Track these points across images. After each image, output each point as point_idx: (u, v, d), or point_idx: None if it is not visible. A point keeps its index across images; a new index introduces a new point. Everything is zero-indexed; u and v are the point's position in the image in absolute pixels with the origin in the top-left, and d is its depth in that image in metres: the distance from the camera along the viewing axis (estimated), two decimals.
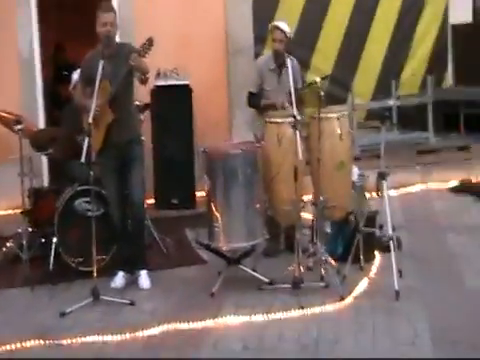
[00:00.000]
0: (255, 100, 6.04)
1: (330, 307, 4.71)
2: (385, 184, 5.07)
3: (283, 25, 5.91)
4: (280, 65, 5.93)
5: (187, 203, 7.05)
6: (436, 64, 9.45)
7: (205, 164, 5.31)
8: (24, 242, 5.70)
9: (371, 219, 5.41)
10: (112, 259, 5.60)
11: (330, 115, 5.45)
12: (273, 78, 5.97)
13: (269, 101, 5.94)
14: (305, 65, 8.26)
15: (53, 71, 10.02)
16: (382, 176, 5.10)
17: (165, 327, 4.57)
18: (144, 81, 5.31)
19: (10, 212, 7.08)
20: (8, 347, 4.33)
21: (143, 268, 5.44)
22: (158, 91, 7.26)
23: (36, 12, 7.63)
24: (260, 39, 8.46)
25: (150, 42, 5.13)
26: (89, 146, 5.05)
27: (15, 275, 5.64)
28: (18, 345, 4.40)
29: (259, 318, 4.64)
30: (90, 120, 5.03)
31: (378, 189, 5.14)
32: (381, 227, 5.29)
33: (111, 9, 5.41)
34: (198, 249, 5.95)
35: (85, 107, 5.22)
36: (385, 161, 5.19)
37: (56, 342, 4.44)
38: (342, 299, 4.79)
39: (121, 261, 5.50)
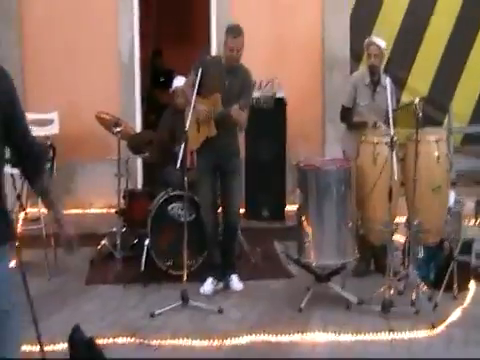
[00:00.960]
0: (347, 115, 6.01)
1: (421, 334, 4.62)
2: None
3: (378, 40, 5.88)
4: (375, 82, 5.88)
5: (277, 216, 7.06)
6: None
7: (298, 178, 5.32)
8: (118, 241, 5.89)
9: (467, 247, 5.29)
10: (202, 265, 5.68)
11: (428, 137, 5.38)
12: (367, 94, 5.92)
13: (361, 119, 5.89)
14: (401, 84, 8.16)
15: (150, 76, 10.24)
16: None
17: (252, 337, 4.60)
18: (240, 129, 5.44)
19: (105, 211, 7.30)
20: (101, 341, 4.45)
21: (234, 272, 5.56)
22: (253, 103, 7.29)
23: (138, 18, 7.83)
24: (356, 55, 8.41)
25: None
26: (185, 152, 5.15)
27: (108, 272, 5.86)
28: (110, 340, 4.54)
29: (347, 338, 4.60)
30: (186, 128, 5.13)
31: (476, 216, 5.03)
32: (478, 256, 5.16)
33: (240, 33, 5.36)
34: (287, 263, 5.97)
35: (190, 103, 5.27)
36: None
37: (146, 342, 4.54)
38: (433, 327, 4.69)
39: (210, 267, 5.58)
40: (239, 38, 5.32)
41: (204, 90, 5.27)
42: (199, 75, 5.20)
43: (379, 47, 5.85)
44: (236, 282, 5.55)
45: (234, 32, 5.34)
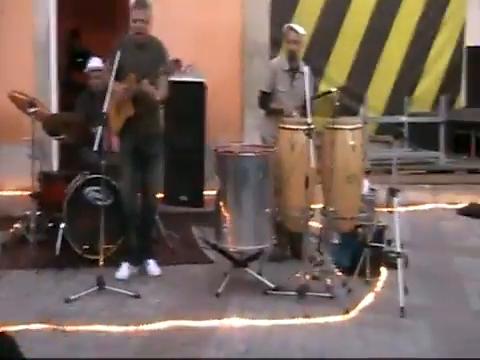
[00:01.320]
0: (266, 101, 6.04)
1: (335, 318, 4.72)
2: (396, 201, 5.10)
3: (297, 27, 5.95)
4: (294, 68, 5.93)
5: (195, 201, 7.06)
6: (450, 84, 9.49)
7: (216, 164, 5.33)
8: (32, 225, 5.75)
9: (379, 234, 5.44)
10: (118, 250, 5.62)
11: (344, 126, 5.46)
12: (286, 80, 5.95)
13: (278, 105, 5.94)
14: (318, 73, 8.29)
15: (68, 57, 10.00)
16: (393, 192, 5.12)
17: (169, 323, 4.58)
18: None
19: (19, 193, 7.10)
20: (13, 328, 4.30)
21: (151, 257, 5.53)
22: (172, 87, 7.19)
23: None
24: (276, 42, 8.48)
25: (177, 65, 5.21)
26: (102, 134, 5.08)
27: (21, 256, 5.72)
28: (22, 327, 4.40)
29: (264, 323, 4.65)
30: (105, 110, 5.06)
31: (388, 204, 5.17)
32: (389, 243, 5.33)
33: (144, 5, 5.37)
34: (205, 248, 5.99)
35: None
36: (395, 177, 5.22)
37: (61, 328, 4.44)
38: (347, 312, 4.80)
39: (127, 252, 5.53)
40: (143, 10, 5.32)
41: (121, 72, 5.20)
42: (116, 60, 5.13)
43: (298, 33, 5.91)
44: (153, 266, 5.53)
45: (138, 3, 5.38)
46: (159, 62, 5.29)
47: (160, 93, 5.32)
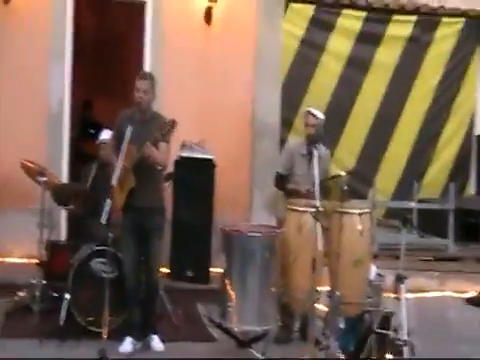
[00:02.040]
0: (282, 183, 6.14)
1: None
2: (403, 288, 5.07)
3: (316, 111, 6.08)
4: (311, 151, 6.01)
5: (201, 277, 7.04)
6: (459, 172, 9.56)
7: (223, 242, 5.32)
8: (37, 294, 5.73)
9: (386, 320, 5.36)
10: (123, 323, 5.57)
11: (352, 210, 5.47)
12: (304, 163, 6.04)
13: (295, 186, 6.01)
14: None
15: (79, 127, 10.16)
16: (400, 279, 5.10)
17: None
18: (160, 170, 5.47)
19: (25, 261, 7.09)
20: None
21: (154, 333, 5.49)
22: (182, 162, 7.34)
23: (70, 67, 7.81)
24: (286, 123, 8.63)
25: (173, 124, 5.25)
26: (110, 207, 5.12)
27: (24, 325, 5.68)
28: None
29: None
30: (113, 182, 5.13)
31: (395, 291, 5.14)
32: (396, 330, 5.27)
33: (146, 77, 5.55)
34: (209, 326, 5.94)
35: (114, 165, 5.28)
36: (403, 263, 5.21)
37: None
38: None
39: (130, 326, 5.48)
40: (145, 81, 5.45)
41: (125, 150, 5.26)
42: (128, 135, 5.22)
43: (317, 118, 6.03)
44: (157, 342, 5.47)
45: (141, 75, 5.55)
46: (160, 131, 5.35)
47: (161, 157, 5.36)
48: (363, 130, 9.21)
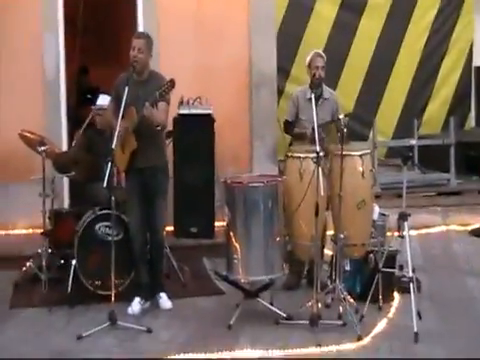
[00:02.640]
0: (290, 128, 6.17)
1: (347, 346, 4.68)
2: (406, 225, 5.07)
3: (321, 52, 6.05)
4: (318, 95, 5.93)
5: (206, 232, 7.04)
6: (459, 106, 9.50)
7: (225, 195, 5.33)
8: (43, 263, 5.78)
9: (391, 259, 5.38)
10: (130, 285, 5.61)
11: (353, 153, 5.45)
12: (309, 108, 5.92)
13: (301, 129, 6.00)
14: None
15: (76, 94, 10.11)
16: (403, 217, 5.09)
17: (182, 356, 4.56)
18: (160, 130, 5.41)
19: (30, 231, 7.13)
20: None
21: (162, 291, 5.53)
22: (181, 120, 7.29)
23: (63, 36, 7.74)
24: (283, 72, 8.55)
25: (171, 84, 5.21)
26: (111, 170, 5.12)
27: (33, 295, 5.74)
28: None
29: (276, 353, 4.62)
30: (113, 145, 5.11)
31: (399, 229, 5.14)
32: (401, 268, 5.27)
33: (141, 36, 5.52)
34: (216, 280, 5.98)
35: (114, 128, 5.24)
36: (406, 201, 5.19)
37: None
38: (360, 339, 4.76)
39: (138, 287, 5.52)
40: (139, 40, 5.42)
41: (123, 110, 5.23)
42: (124, 98, 5.15)
43: (324, 59, 5.99)
44: (165, 300, 5.51)
45: (136, 34, 5.56)
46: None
47: (160, 116, 5.32)
48: (360, 72, 9.14)
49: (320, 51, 6.11)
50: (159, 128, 5.38)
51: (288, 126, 6.21)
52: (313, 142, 5.75)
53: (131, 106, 5.28)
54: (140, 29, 7.77)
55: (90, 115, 6.45)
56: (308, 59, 6.04)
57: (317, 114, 5.73)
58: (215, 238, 6.93)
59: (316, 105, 5.87)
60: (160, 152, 5.59)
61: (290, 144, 6.20)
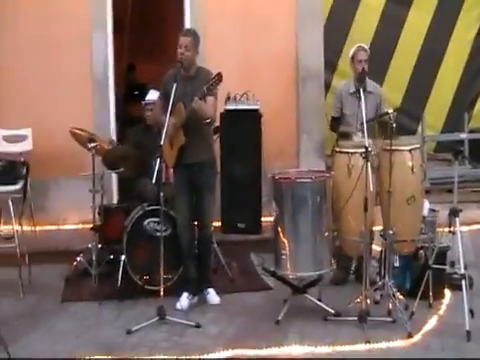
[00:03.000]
0: (336, 125, 6.18)
1: (397, 343, 4.63)
2: (458, 221, 4.98)
3: (365, 46, 6.00)
4: (359, 89, 5.88)
5: (253, 228, 7.03)
6: None
7: (273, 190, 5.31)
8: (93, 258, 5.86)
9: (441, 255, 5.30)
10: (178, 280, 5.65)
11: (402, 147, 5.37)
12: (353, 102, 5.95)
13: (346, 128, 5.99)
14: None
15: (125, 91, 10.22)
16: (454, 213, 5.00)
17: (230, 352, 4.58)
18: (209, 124, 5.41)
19: (80, 227, 7.25)
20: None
21: (211, 286, 5.56)
22: (228, 115, 7.29)
23: (112, 34, 7.82)
24: (330, 66, 8.48)
25: (219, 78, 5.21)
26: (160, 166, 5.15)
27: (84, 289, 5.84)
28: (86, 357, 4.47)
29: (324, 350, 4.59)
30: (162, 142, 5.14)
31: (450, 225, 5.05)
32: (452, 264, 5.18)
33: (188, 34, 5.52)
34: (264, 275, 5.97)
35: (163, 124, 5.27)
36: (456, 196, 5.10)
37: (123, 358, 4.49)
38: (410, 336, 4.71)
39: (186, 282, 5.56)
40: (186, 37, 5.43)
41: (172, 107, 5.25)
42: (173, 94, 5.17)
43: (368, 52, 5.96)
44: (213, 295, 5.54)
45: (182, 32, 5.54)
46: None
47: (209, 110, 5.34)
48: (408, 66, 9.01)
49: (363, 44, 6.06)
50: (208, 122, 5.39)
51: (334, 123, 6.20)
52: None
53: (179, 102, 5.31)
54: (187, 25, 7.81)
55: (143, 110, 6.49)
56: (351, 53, 6.04)
57: (361, 108, 5.71)
58: (262, 233, 6.91)
59: (359, 98, 5.86)
60: (208, 147, 5.61)
61: (337, 139, 6.17)
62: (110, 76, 7.85)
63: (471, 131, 8.67)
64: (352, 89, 5.99)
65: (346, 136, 5.93)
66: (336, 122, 6.17)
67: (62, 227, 7.40)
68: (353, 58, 6.00)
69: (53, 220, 7.39)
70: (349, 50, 6.14)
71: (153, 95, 6.29)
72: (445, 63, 9.10)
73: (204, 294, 5.55)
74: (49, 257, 6.45)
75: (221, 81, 5.24)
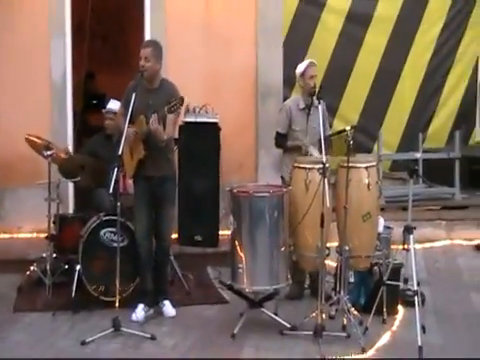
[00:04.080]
0: (282, 141, 6.14)
1: (351, 358, 4.67)
2: (412, 238, 5.07)
3: (315, 62, 6.09)
4: (309, 105, 5.98)
5: (210, 241, 7.05)
6: (464, 120, 9.48)
7: (231, 204, 5.33)
8: (48, 267, 5.79)
9: (396, 272, 5.38)
10: (133, 291, 5.61)
11: (359, 165, 5.46)
12: (302, 118, 6.01)
13: (295, 142, 6.01)
14: (332, 112, 8.31)
15: (83, 99, 10.13)
16: (409, 230, 5.09)
17: None
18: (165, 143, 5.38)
19: (34, 235, 7.15)
20: None
21: (166, 298, 5.53)
22: (187, 127, 7.32)
23: (70, 41, 7.78)
24: (289, 82, 8.56)
25: (181, 101, 5.21)
26: (117, 176, 5.13)
27: (37, 299, 5.76)
28: None
29: None
30: (120, 152, 5.11)
31: (404, 242, 5.14)
32: (406, 281, 5.27)
33: (148, 44, 5.52)
34: (220, 288, 5.98)
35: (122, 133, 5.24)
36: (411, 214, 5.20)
37: None
38: (364, 351, 4.76)
39: (142, 294, 5.52)
40: (146, 48, 5.42)
41: (132, 115, 5.25)
42: (132, 103, 5.18)
43: (316, 68, 6.02)
44: (169, 308, 5.52)
45: (143, 43, 5.56)
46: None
47: (167, 132, 5.33)
48: (366, 85, 9.13)
49: (314, 60, 6.12)
50: (162, 144, 5.37)
51: (280, 139, 6.16)
52: (306, 155, 5.84)
53: (141, 114, 5.30)
54: (147, 35, 7.82)
55: (103, 119, 6.45)
56: (302, 68, 6.05)
57: (310, 125, 5.80)
58: (219, 247, 6.95)
59: (308, 114, 5.95)
60: (169, 162, 5.57)
61: (284, 152, 6.17)
62: (68, 84, 7.80)
63: (425, 151, 8.84)
64: (302, 105, 6.03)
65: (295, 150, 5.96)
66: (281, 137, 6.15)
67: (17, 235, 7.31)
68: (304, 74, 6.04)
69: (8, 229, 7.29)
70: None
71: (114, 104, 6.26)
72: (402, 83, 9.26)
73: (160, 306, 5.52)
74: (2, 266, 6.35)
75: (182, 105, 5.25)
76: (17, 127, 7.16)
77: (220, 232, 7.09)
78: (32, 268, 6.03)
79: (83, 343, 4.83)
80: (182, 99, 5.21)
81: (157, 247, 5.55)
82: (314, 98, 5.86)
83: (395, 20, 9.17)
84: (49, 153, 5.92)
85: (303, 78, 6.05)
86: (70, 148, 7.24)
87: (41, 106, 7.59)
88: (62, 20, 7.68)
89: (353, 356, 4.70)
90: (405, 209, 5.31)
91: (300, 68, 6.07)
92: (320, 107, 5.36)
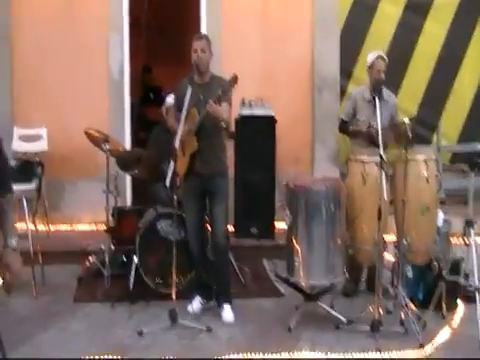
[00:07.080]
0: (345, 127, 6.15)
1: (409, 353, 4.61)
2: (473, 232, 4.96)
3: (384, 55, 6.01)
4: (374, 97, 5.87)
5: (266, 234, 7.05)
6: None
7: (287, 197, 5.29)
8: (106, 259, 5.87)
9: (455, 267, 5.29)
10: (190, 283, 5.64)
11: (417, 157, 5.35)
12: (368, 109, 5.92)
13: (357, 127, 5.98)
14: None
15: (140, 93, 10.23)
16: (470, 224, 4.99)
17: (241, 356, 4.57)
18: (225, 129, 5.35)
19: (93, 227, 7.29)
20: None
21: (227, 301, 5.41)
22: (242, 121, 7.32)
23: (128, 35, 7.87)
24: (345, 74, 8.47)
25: (235, 79, 5.16)
26: (174, 170, 5.15)
27: (97, 290, 5.83)
28: (97, 357, 4.49)
29: (335, 357, 4.58)
30: (176, 145, 5.12)
31: (464, 236, 5.03)
32: (467, 276, 5.16)
33: (202, 37, 5.50)
34: (276, 281, 5.97)
35: (176, 131, 5.24)
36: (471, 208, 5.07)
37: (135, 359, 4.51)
38: (422, 347, 4.68)
39: (198, 286, 5.54)
40: (201, 41, 5.39)
41: (186, 114, 5.23)
42: (186, 100, 5.17)
43: (386, 61, 5.95)
44: (227, 312, 5.34)
45: (196, 36, 5.48)
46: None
47: (224, 115, 5.25)
48: (425, 75, 8.94)
49: (383, 53, 6.05)
50: (224, 125, 5.29)
51: (343, 125, 6.19)
52: (368, 140, 5.78)
53: (193, 108, 5.29)
54: (203, 28, 7.85)
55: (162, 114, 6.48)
56: (370, 61, 6.00)
57: (375, 114, 5.69)
58: (275, 239, 6.94)
59: (375, 106, 5.84)
60: (219, 160, 5.44)
61: (351, 134, 6.16)
62: (126, 77, 7.91)
63: None
64: (367, 96, 5.97)
65: (356, 135, 5.94)
66: (345, 125, 6.15)
67: (76, 227, 7.46)
68: (371, 67, 5.98)
69: (67, 220, 7.45)
70: (366, 57, 6.12)
71: (172, 99, 6.28)
72: (462, 72, 9.04)
73: (220, 309, 5.40)
74: (62, 257, 6.49)
75: (236, 83, 5.17)
76: (76, 121, 7.30)
77: (276, 225, 7.09)
78: (91, 259, 6.14)
79: (140, 333, 4.90)
80: (235, 77, 5.15)
81: (212, 244, 5.49)
82: (383, 90, 5.78)
83: (456, 7, 8.97)
84: (107, 146, 6.00)
85: (371, 70, 6.00)
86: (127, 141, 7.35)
87: (99, 100, 7.72)
88: (120, 14, 7.81)
89: (411, 351, 4.63)
90: (466, 202, 5.18)
91: (369, 59, 6.03)
92: (377, 100, 5.27)
